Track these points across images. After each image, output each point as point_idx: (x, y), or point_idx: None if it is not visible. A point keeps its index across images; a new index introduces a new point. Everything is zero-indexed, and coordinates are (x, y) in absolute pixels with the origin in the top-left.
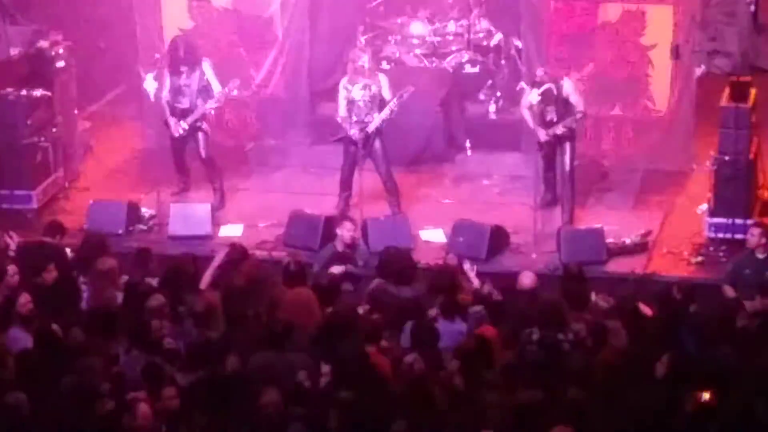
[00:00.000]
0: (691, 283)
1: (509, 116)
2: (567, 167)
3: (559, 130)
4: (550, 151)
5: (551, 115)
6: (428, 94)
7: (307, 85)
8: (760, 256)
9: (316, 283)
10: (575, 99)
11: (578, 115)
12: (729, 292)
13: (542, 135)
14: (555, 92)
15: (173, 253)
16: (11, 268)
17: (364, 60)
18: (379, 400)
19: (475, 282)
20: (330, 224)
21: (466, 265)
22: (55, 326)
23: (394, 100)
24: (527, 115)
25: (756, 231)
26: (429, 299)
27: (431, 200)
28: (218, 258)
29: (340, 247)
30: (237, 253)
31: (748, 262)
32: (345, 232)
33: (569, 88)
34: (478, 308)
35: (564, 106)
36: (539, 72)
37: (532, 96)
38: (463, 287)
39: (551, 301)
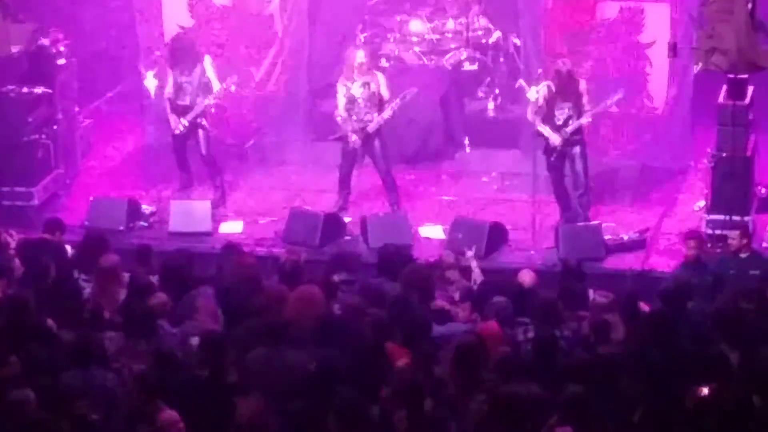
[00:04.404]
0: (687, 280)
1: (508, 113)
2: (581, 176)
3: (586, 120)
4: (559, 161)
5: (565, 113)
6: (427, 92)
7: (307, 83)
8: (743, 255)
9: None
10: (586, 99)
11: (589, 114)
12: None
13: (557, 139)
14: (571, 87)
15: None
16: (15, 263)
17: (363, 58)
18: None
19: (477, 272)
20: (329, 221)
21: (469, 253)
22: (50, 322)
23: (397, 100)
24: (536, 120)
25: (692, 243)
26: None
27: (430, 197)
28: None
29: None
30: (231, 250)
31: (731, 263)
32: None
33: (584, 87)
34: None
35: (579, 105)
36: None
37: (531, 93)
38: (453, 281)
39: (547, 297)
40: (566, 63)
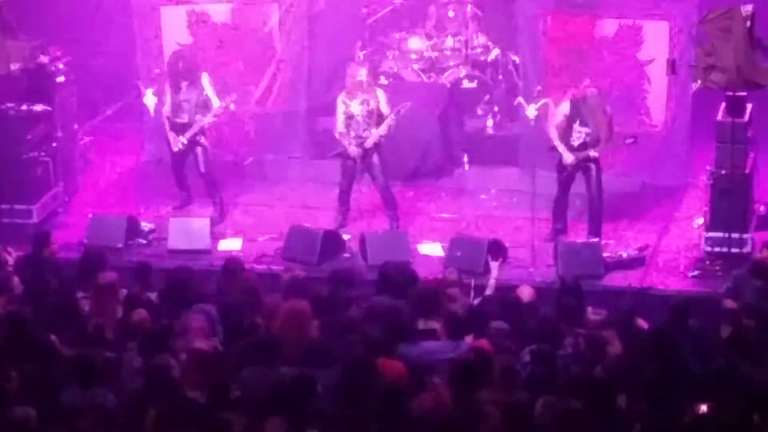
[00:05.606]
0: (687, 297)
1: (507, 131)
2: (594, 191)
3: (593, 153)
4: (568, 178)
5: (581, 138)
6: (426, 109)
7: (306, 100)
8: None
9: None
10: (607, 126)
11: (598, 149)
12: (730, 304)
13: (570, 158)
14: (593, 114)
15: (172, 267)
16: (14, 280)
17: (362, 75)
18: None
19: (492, 283)
20: (328, 238)
21: (494, 264)
22: (53, 338)
23: (392, 115)
24: (554, 135)
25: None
26: (413, 314)
27: (429, 214)
28: None
29: None
30: (234, 265)
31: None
32: None
33: (609, 114)
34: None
35: (598, 131)
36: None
37: (530, 111)
38: (457, 300)
39: (547, 315)
40: (594, 93)
